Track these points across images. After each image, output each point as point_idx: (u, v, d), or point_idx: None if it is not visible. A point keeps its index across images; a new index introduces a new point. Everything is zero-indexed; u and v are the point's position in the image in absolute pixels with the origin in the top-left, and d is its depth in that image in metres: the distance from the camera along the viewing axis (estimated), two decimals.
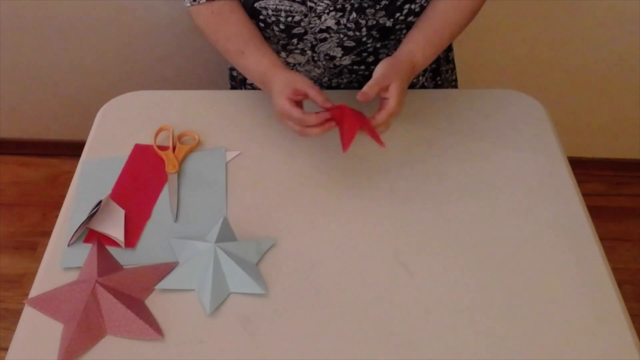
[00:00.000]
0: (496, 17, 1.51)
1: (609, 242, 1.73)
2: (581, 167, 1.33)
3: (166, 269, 0.80)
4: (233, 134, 0.99)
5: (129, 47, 1.64)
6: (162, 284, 0.78)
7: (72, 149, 1.30)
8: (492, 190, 0.91)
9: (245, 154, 0.96)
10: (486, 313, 0.76)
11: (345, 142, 0.84)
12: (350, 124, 0.85)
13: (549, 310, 0.77)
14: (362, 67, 1.05)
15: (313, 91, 0.85)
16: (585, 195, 0.91)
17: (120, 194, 0.90)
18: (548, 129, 1.00)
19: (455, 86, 1.24)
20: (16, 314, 0.77)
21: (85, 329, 0.73)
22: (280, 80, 0.88)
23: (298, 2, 0.92)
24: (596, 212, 0.92)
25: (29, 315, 0.76)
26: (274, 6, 0.93)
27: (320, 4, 0.92)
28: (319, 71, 1.06)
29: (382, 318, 0.76)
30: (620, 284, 0.79)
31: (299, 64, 1.05)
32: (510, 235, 0.85)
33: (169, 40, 1.61)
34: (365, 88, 0.85)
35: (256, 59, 0.92)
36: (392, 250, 0.83)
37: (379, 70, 0.87)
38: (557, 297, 0.78)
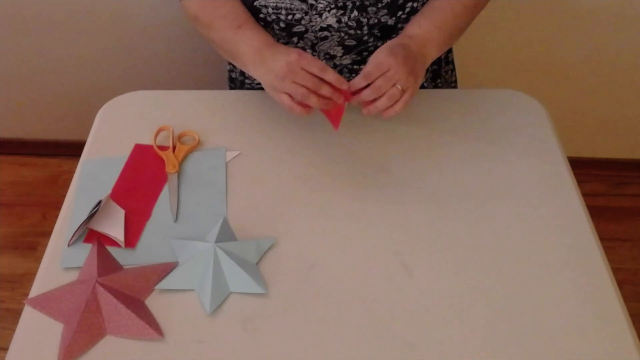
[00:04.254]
0: (496, 17, 1.51)
1: (609, 242, 1.73)
2: (581, 167, 1.33)
3: (166, 269, 0.80)
4: (233, 134, 0.99)
5: (129, 47, 1.64)
6: (162, 284, 0.78)
7: (72, 149, 1.31)
8: (492, 190, 0.91)
9: (245, 154, 0.96)
10: (486, 313, 0.76)
11: (335, 121, 0.86)
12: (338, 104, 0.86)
13: (549, 310, 0.77)
14: (362, 66, 1.05)
15: (326, 73, 0.83)
16: (585, 195, 0.91)
17: (120, 194, 0.90)
18: (548, 129, 1.00)
19: (455, 87, 1.24)
20: (16, 314, 0.77)
21: (85, 329, 0.73)
22: (287, 47, 0.87)
23: None
24: (596, 212, 0.92)
25: (29, 315, 0.76)
26: (274, 4, 0.93)
27: (322, 1, 0.92)
28: None
29: (382, 318, 0.76)
30: (620, 284, 0.79)
31: None
32: (510, 235, 0.85)
33: (169, 40, 1.61)
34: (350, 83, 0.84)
35: (254, 32, 0.91)
36: (392, 250, 0.83)
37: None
38: (557, 297, 0.78)
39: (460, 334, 0.74)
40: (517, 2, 1.49)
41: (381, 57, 0.83)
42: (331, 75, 0.82)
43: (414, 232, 0.85)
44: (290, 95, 0.84)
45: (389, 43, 0.87)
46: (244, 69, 0.93)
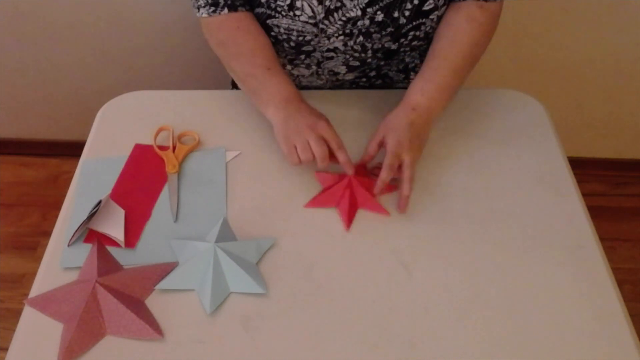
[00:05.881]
0: None
1: (609, 242, 1.73)
2: (581, 167, 1.33)
3: (166, 269, 0.80)
4: (233, 134, 1.00)
5: (129, 47, 1.64)
6: (162, 284, 0.79)
7: (72, 149, 1.31)
8: (491, 190, 0.91)
9: (245, 154, 0.96)
10: (486, 313, 0.76)
11: (345, 221, 0.86)
12: (352, 203, 0.87)
13: (549, 310, 0.77)
14: (364, 79, 1.09)
15: (340, 152, 0.87)
16: (585, 195, 0.91)
17: (120, 194, 0.90)
18: (548, 128, 1.00)
19: None
20: (16, 314, 0.77)
21: (85, 329, 0.73)
22: (316, 110, 0.90)
23: (310, 24, 0.93)
24: (596, 212, 0.92)
25: (29, 315, 0.76)
26: (287, 25, 0.94)
27: (331, 27, 0.93)
28: (321, 82, 1.10)
29: (382, 318, 0.76)
30: (620, 284, 0.79)
31: (303, 75, 1.08)
32: (510, 234, 0.85)
33: (170, 40, 1.61)
34: (364, 154, 0.90)
35: (283, 80, 0.92)
36: (392, 250, 0.83)
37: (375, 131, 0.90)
38: (557, 298, 0.78)
39: (460, 333, 0.74)
40: (517, 2, 1.48)
41: (391, 150, 0.85)
42: (343, 157, 0.86)
43: (414, 232, 0.85)
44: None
45: (395, 129, 0.87)
46: (258, 106, 0.94)
